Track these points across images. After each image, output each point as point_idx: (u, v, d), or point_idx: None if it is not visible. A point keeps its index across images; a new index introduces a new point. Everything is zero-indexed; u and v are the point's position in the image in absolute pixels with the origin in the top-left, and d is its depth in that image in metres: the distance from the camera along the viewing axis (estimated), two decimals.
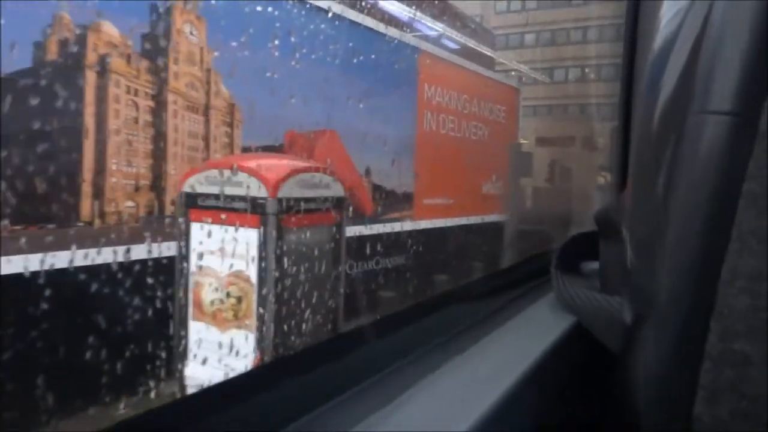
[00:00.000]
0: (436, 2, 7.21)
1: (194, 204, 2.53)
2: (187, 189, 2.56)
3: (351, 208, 5.41)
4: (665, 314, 0.47)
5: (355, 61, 5.03)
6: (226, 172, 2.41)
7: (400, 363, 0.60)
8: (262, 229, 2.36)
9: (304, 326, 2.49)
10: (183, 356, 2.60)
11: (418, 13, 6.23)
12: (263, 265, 2.38)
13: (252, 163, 2.56)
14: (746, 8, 0.42)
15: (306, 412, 0.48)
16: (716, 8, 0.44)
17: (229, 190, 2.42)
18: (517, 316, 0.82)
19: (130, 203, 3.46)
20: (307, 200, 2.53)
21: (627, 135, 0.88)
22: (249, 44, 4.07)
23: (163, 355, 2.64)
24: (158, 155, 3.56)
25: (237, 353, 2.45)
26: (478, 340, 0.70)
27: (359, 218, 5.25)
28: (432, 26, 6.78)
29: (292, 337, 2.45)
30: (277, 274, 2.39)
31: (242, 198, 2.41)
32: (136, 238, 3.20)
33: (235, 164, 2.46)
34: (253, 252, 2.38)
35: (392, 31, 5.44)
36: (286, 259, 2.42)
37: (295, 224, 2.47)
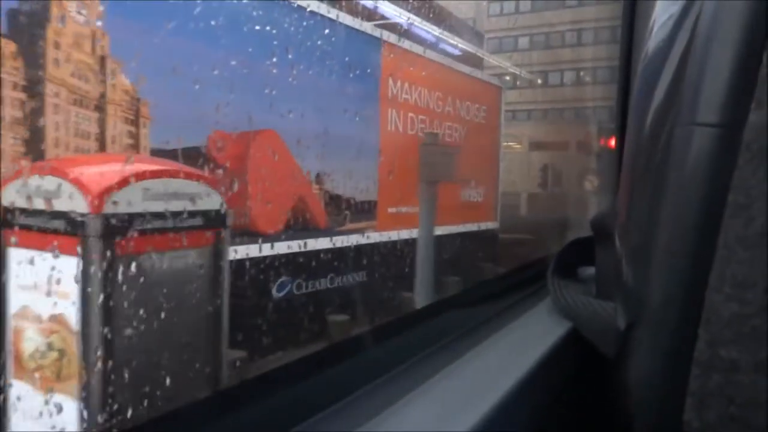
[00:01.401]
0: None
1: (11, 222, 1.87)
2: (2, 202, 1.90)
3: (308, 221, 4.81)
4: (655, 320, 0.48)
5: (299, 50, 4.40)
6: (38, 180, 1.75)
7: (399, 368, 0.60)
8: (82, 257, 1.70)
9: (153, 387, 1.83)
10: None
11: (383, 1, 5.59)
12: (86, 306, 1.72)
13: (73, 168, 1.90)
14: (731, 22, 0.43)
15: (308, 415, 0.49)
16: (702, 20, 0.45)
17: (45, 204, 1.76)
18: (514, 321, 0.82)
19: None
20: (160, 216, 1.87)
21: (623, 141, 0.84)
22: (160, 27, 3.44)
23: None
24: (33, 159, 2.91)
25: (56, 424, 1.78)
26: (475, 345, 0.70)
27: (309, 230, 4.60)
28: (399, 16, 6.13)
29: (133, 404, 1.78)
30: (106, 318, 1.73)
31: (61, 214, 1.75)
32: None
33: (50, 168, 1.80)
34: (73, 289, 1.73)
35: (347, 19, 4.81)
36: (122, 298, 1.77)
37: (137, 250, 1.81)
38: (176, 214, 1.92)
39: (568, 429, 0.76)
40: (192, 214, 1.95)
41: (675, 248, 0.45)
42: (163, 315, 1.86)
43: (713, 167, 0.42)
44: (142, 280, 1.82)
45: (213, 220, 2.06)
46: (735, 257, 0.40)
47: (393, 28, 5.87)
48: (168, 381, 1.85)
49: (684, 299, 0.44)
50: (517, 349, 0.71)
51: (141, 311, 1.81)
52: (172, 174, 1.93)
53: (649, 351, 0.49)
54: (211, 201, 2.03)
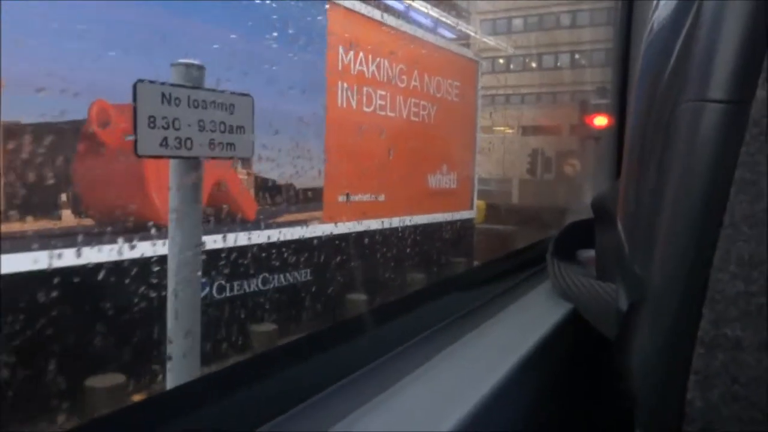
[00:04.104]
0: None
1: None
2: None
3: (232, 210, 4.11)
4: (659, 301, 0.48)
5: (218, 7, 3.67)
6: None
7: (397, 351, 0.59)
8: None
9: None
10: None
11: None
12: None
13: None
14: None
15: (306, 397, 0.48)
16: None
17: None
18: (513, 303, 0.82)
19: None
20: None
21: (622, 122, 0.87)
22: None
23: None
24: None
25: None
26: (474, 328, 0.69)
27: (230, 223, 3.89)
28: None
29: None
30: None
31: None
32: None
33: None
34: None
35: None
36: None
37: None
38: None
39: (568, 411, 0.74)
40: None
41: (679, 227, 0.44)
42: None
43: (719, 143, 0.41)
44: None
45: None
46: (741, 235, 0.40)
47: None
48: None
49: (688, 278, 0.43)
50: (517, 331, 0.71)
51: None
52: None
53: (651, 331, 0.48)
54: None
